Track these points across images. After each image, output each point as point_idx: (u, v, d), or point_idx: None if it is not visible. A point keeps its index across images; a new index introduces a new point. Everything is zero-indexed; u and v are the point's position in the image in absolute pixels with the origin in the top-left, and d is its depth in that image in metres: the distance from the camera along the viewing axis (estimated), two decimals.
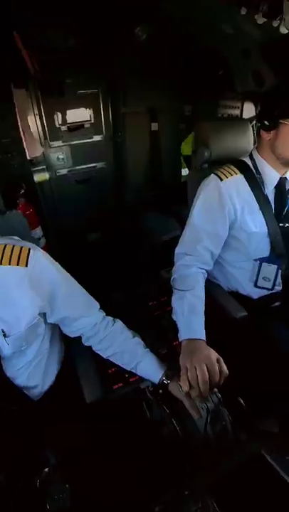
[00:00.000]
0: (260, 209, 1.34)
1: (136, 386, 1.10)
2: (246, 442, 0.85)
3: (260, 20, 0.69)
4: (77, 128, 2.54)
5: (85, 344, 1.10)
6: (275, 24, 0.70)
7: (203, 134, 1.52)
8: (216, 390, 1.02)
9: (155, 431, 0.99)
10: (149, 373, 1.06)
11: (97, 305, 1.12)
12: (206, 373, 0.96)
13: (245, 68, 1.86)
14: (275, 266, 1.38)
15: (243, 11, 0.73)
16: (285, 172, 1.36)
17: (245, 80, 1.92)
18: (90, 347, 1.10)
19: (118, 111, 2.58)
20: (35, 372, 1.04)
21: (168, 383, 1.03)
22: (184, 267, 1.31)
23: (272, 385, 1.18)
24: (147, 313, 1.45)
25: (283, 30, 0.65)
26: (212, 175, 1.36)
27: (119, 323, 1.12)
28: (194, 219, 1.35)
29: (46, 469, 0.79)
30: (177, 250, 1.38)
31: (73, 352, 1.15)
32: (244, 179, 1.33)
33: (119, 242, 2.49)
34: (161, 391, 1.05)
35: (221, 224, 1.33)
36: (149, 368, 1.06)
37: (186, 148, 2.50)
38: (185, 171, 2.78)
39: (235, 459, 0.77)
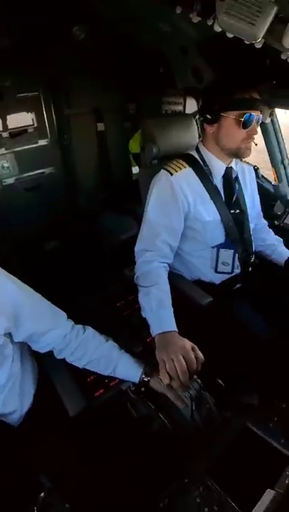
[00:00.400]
0: (211, 199, 1.40)
1: (117, 389, 1.08)
2: (232, 419, 0.89)
3: (195, 19, 0.73)
4: (19, 133, 2.39)
5: (58, 357, 1.05)
6: (209, 23, 0.74)
7: (149, 131, 1.55)
8: (195, 376, 1.05)
9: (145, 429, 0.99)
10: (128, 374, 1.05)
11: (64, 315, 1.08)
12: (184, 363, 0.98)
13: (184, 65, 1.92)
14: (232, 250, 1.46)
15: (178, 10, 0.75)
16: (230, 162, 1.44)
17: (185, 77, 1.98)
18: (63, 359, 1.06)
19: (62, 113, 2.49)
20: (10, 396, 0.97)
21: (148, 380, 1.03)
22: (146, 263, 1.32)
23: (246, 361, 1.23)
24: (117, 315, 1.44)
25: (217, 28, 0.68)
26: (162, 170, 1.40)
27: (89, 330, 1.09)
28: (150, 215, 1.37)
29: (42, 494, 0.74)
30: (137, 248, 1.39)
31: (47, 367, 1.09)
32: (193, 172, 1.38)
33: (78, 248, 2.43)
34: (143, 389, 1.05)
35: (176, 217, 1.36)
36: (127, 369, 1.05)
37: (134, 146, 2.52)
38: (135, 169, 2.80)
39: (225, 436, 0.81)
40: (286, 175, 2.10)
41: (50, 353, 1.06)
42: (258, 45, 0.73)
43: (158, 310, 1.17)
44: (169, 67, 2.10)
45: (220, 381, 1.15)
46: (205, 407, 1.01)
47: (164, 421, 0.99)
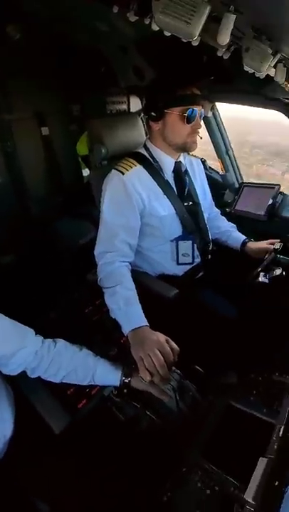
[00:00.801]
0: (164, 194, 1.43)
1: (100, 396, 1.06)
2: (215, 400, 0.93)
3: (132, 18, 0.74)
4: None
5: (33, 377, 1.00)
6: (146, 22, 0.75)
7: (96, 131, 1.53)
8: (174, 368, 1.07)
9: (134, 429, 0.99)
10: (108, 379, 1.04)
11: (31, 331, 1.02)
12: (161, 357, 1.00)
13: (124, 64, 1.93)
14: (190, 241, 1.51)
15: (115, 10, 0.76)
16: (179, 156, 1.49)
17: (126, 76, 1.99)
18: (38, 378, 1.01)
19: (2, 118, 2.34)
20: None
21: (129, 380, 1.03)
22: (107, 264, 1.32)
23: (218, 343, 1.29)
24: (86, 321, 1.41)
25: (154, 27, 0.70)
26: (113, 170, 1.40)
27: (60, 342, 1.05)
28: (106, 216, 1.37)
29: None
30: (96, 251, 1.37)
31: (23, 389, 1.03)
32: (144, 169, 1.40)
33: (35, 258, 2.30)
34: (125, 390, 1.04)
35: (132, 215, 1.37)
36: (106, 374, 1.03)
37: (82, 148, 2.46)
38: (86, 171, 2.74)
39: (212, 418, 0.84)
40: (232, 164, 2.23)
41: (24, 374, 0.99)
42: (195, 43, 0.77)
43: (126, 308, 1.18)
44: (111, 66, 2.09)
45: (198, 367, 1.20)
46: (188, 395, 1.04)
47: (151, 417, 1.00)
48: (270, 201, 1.87)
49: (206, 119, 2.02)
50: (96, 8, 1.33)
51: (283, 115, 1.64)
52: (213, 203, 1.80)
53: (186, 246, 1.52)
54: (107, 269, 1.31)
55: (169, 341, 1.06)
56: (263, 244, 1.60)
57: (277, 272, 1.38)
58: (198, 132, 1.37)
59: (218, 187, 2.17)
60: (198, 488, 0.62)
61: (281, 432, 0.60)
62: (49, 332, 1.07)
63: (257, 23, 0.68)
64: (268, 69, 0.78)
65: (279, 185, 1.91)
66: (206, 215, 1.63)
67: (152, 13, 0.65)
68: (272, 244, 1.54)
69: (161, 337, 1.07)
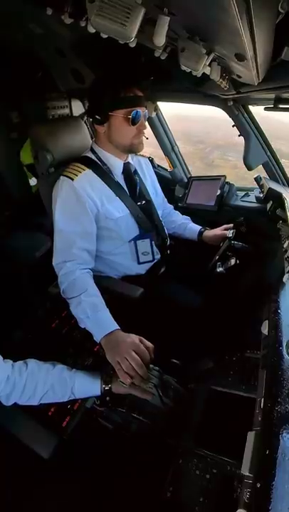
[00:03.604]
0: (117, 195, 1.43)
1: (83, 410, 1.03)
2: (197, 388, 0.96)
3: (68, 20, 0.72)
4: None
5: (8, 404, 0.93)
6: (82, 24, 0.74)
7: (40, 138, 1.46)
8: (151, 365, 1.08)
9: (125, 434, 0.98)
10: (88, 390, 1.01)
11: None
12: (137, 357, 1.01)
13: (63, 67, 1.87)
14: (148, 239, 1.53)
15: (49, 11, 0.73)
16: (127, 157, 1.50)
17: (65, 79, 1.93)
18: (14, 405, 0.94)
19: None
20: None
21: (110, 387, 1.01)
22: (68, 274, 1.28)
23: (188, 333, 1.33)
24: (55, 336, 1.36)
25: (91, 29, 0.69)
26: (62, 177, 1.36)
27: (32, 362, 1.00)
28: (60, 225, 1.33)
29: None
30: (55, 261, 1.33)
31: (0, 420, 0.96)
32: (93, 173, 1.39)
33: None
34: (108, 398, 1.02)
35: (86, 221, 1.35)
36: (85, 385, 1.01)
37: (26, 157, 2.31)
38: (33, 181, 2.61)
39: (197, 406, 0.87)
40: (178, 160, 2.31)
41: None
42: (132, 45, 0.77)
43: (95, 315, 1.16)
44: (48, 70, 2.01)
45: (174, 360, 1.23)
46: (170, 388, 1.06)
47: (139, 419, 1.00)
48: (219, 192, 1.99)
49: (149, 119, 2.06)
50: (29, 10, 1.27)
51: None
52: (165, 199, 1.85)
53: (144, 244, 1.54)
54: (69, 278, 1.27)
55: (143, 340, 1.07)
56: (218, 230, 1.70)
57: (232, 261, 1.46)
58: (144, 133, 1.40)
59: (168, 183, 2.23)
60: (197, 476, 0.64)
61: (262, 404, 0.64)
62: (17, 354, 1.02)
63: (190, 25, 0.72)
64: (203, 68, 0.82)
65: (224, 175, 2.03)
66: (160, 212, 1.67)
67: (87, 16, 0.65)
68: (227, 229, 1.63)
69: (135, 338, 1.07)
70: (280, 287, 0.98)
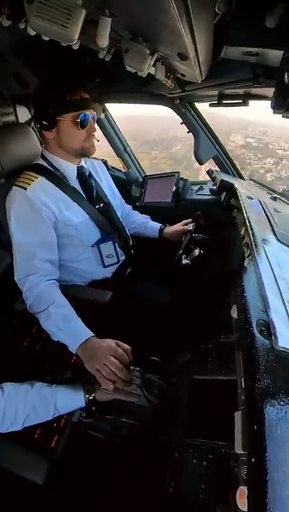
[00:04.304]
0: (74, 201, 1.40)
1: (71, 425, 0.99)
2: (179, 381, 0.98)
3: (5, 22, 0.68)
4: None
5: None
6: (21, 26, 0.71)
7: None
8: (132, 367, 1.08)
9: (117, 441, 0.96)
10: (72, 404, 0.98)
11: None
12: (116, 361, 1.00)
13: (4, 72, 1.76)
14: (111, 242, 1.52)
15: None
16: (80, 161, 1.47)
17: (8, 84, 1.83)
18: None
19: None
20: None
21: (94, 396, 0.99)
22: (32, 288, 1.23)
23: (162, 329, 1.36)
24: (28, 353, 1.29)
25: (31, 31, 0.67)
26: (13, 187, 1.30)
27: (7, 386, 0.95)
28: (17, 238, 1.27)
29: None
30: (17, 276, 1.27)
31: None
32: (46, 180, 1.34)
33: None
34: (94, 408, 1.00)
35: (45, 230, 1.31)
36: (68, 399, 0.97)
37: None
38: None
39: (182, 398, 0.89)
40: (132, 161, 2.32)
41: None
42: (75, 47, 0.77)
43: (67, 326, 1.12)
44: None
45: (154, 358, 1.24)
46: (154, 386, 1.06)
47: (128, 422, 0.99)
48: (174, 188, 2.04)
49: (99, 121, 2.04)
50: None
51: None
52: (123, 200, 1.85)
53: (108, 247, 1.53)
54: (34, 292, 1.21)
55: (119, 343, 1.07)
56: (178, 226, 1.74)
57: (196, 252, 1.51)
58: (94, 135, 1.38)
59: (124, 184, 2.24)
60: (195, 465, 0.65)
61: (243, 384, 0.67)
62: None
63: (132, 26, 0.73)
64: (148, 68, 0.84)
65: (178, 172, 2.10)
66: (119, 214, 1.66)
67: (27, 17, 0.62)
68: (186, 224, 1.68)
69: (111, 342, 1.06)
70: (242, 272, 1.03)
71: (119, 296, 1.43)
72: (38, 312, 1.19)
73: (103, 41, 0.71)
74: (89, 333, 1.11)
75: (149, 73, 0.86)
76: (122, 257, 1.61)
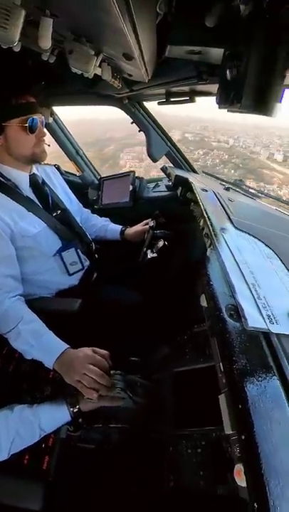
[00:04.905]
0: (29, 210, 1.34)
1: (59, 442, 0.95)
2: (161, 376, 0.99)
3: None
4: None
5: None
6: None
7: None
8: (112, 371, 1.06)
9: (110, 448, 0.95)
10: (57, 420, 0.94)
11: None
12: (96, 368, 0.98)
13: None
14: (73, 249, 1.48)
15: None
16: (31, 168, 1.41)
17: None
18: None
19: None
20: None
21: (79, 408, 0.96)
22: None
23: (138, 329, 1.35)
24: (2, 377, 1.22)
25: None
26: None
27: None
28: None
29: None
30: None
31: None
32: None
33: None
34: (80, 420, 0.98)
35: (1, 245, 1.24)
36: (52, 416, 0.94)
37: None
38: None
39: (167, 392, 0.90)
40: (86, 163, 2.28)
41: None
42: (16, 49, 0.73)
43: (39, 342, 1.08)
44: None
45: (132, 358, 1.23)
46: (137, 386, 1.06)
47: (118, 427, 0.98)
48: (131, 187, 2.05)
49: (48, 126, 1.98)
50: None
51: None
52: (80, 204, 1.82)
53: (70, 255, 1.49)
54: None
55: (96, 350, 1.05)
56: (139, 226, 1.75)
57: (160, 243, 1.54)
58: (44, 140, 1.33)
59: (80, 188, 2.20)
60: (190, 454, 0.67)
61: (222, 367, 0.69)
62: None
63: (74, 26, 0.71)
64: (94, 69, 0.83)
65: (133, 171, 2.11)
66: (78, 219, 1.62)
67: None
68: (146, 224, 1.70)
69: (87, 350, 1.04)
70: (206, 261, 1.07)
71: (89, 303, 1.40)
72: (6, 332, 1.12)
73: (45, 42, 0.69)
74: (63, 346, 1.07)
75: (95, 74, 0.85)
76: (87, 263, 1.58)
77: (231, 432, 0.58)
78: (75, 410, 0.95)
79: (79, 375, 0.96)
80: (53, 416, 0.93)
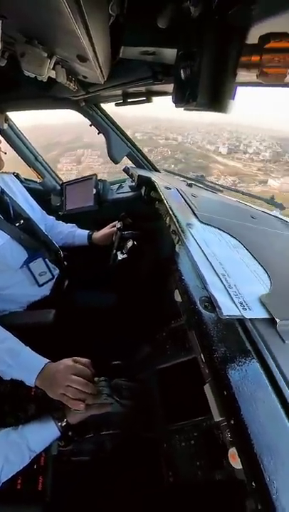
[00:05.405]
0: None
1: (52, 460, 0.91)
2: (146, 376, 1.00)
3: None
4: None
5: None
6: None
7: None
8: (96, 378, 1.04)
9: (105, 457, 0.92)
10: (45, 438, 0.90)
11: None
12: (79, 378, 0.95)
13: None
14: (40, 258, 1.44)
15: None
16: None
17: None
18: None
19: None
20: None
21: (67, 421, 0.93)
22: None
23: (115, 331, 1.36)
24: None
25: None
26: None
27: None
28: None
29: None
30: None
31: None
32: None
33: None
34: (70, 432, 0.94)
35: None
36: (40, 435, 0.89)
37: None
38: None
39: (153, 390, 0.91)
40: (46, 169, 2.21)
41: None
42: None
43: (16, 360, 1.01)
44: None
45: (114, 362, 1.22)
46: (123, 389, 1.05)
47: (109, 433, 0.96)
48: (94, 190, 2.03)
49: (3, 132, 1.90)
50: None
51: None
52: (44, 212, 1.76)
53: (38, 265, 1.44)
54: None
55: (77, 359, 1.02)
56: (106, 229, 1.74)
57: (129, 244, 1.54)
58: (0, 148, 1.28)
59: (42, 195, 2.13)
60: (185, 447, 0.68)
61: (203, 358, 0.71)
62: None
63: (25, 28, 0.69)
64: (48, 71, 0.81)
65: (95, 174, 2.08)
66: (42, 227, 1.58)
67: None
68: (114, 226, 1.70)
69: (67, 361, 1.00)
70: (176, 257, 1.09)
71: (64, 312, 1.37)
72: None
73: None
74: (43, 361, 1.01)
75: (50, 77, 0.83)
76: (56, 271, 1.55)
77: (220, 419, 0.60)
78: (63, 424, 0.92)
79: (62, 387, 0.93)
80: (41, 434, 0.89)
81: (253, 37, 0.59)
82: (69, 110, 1.81)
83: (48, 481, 0.86)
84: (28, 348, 1.05)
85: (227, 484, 0.61)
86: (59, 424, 0.92)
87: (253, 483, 0.45)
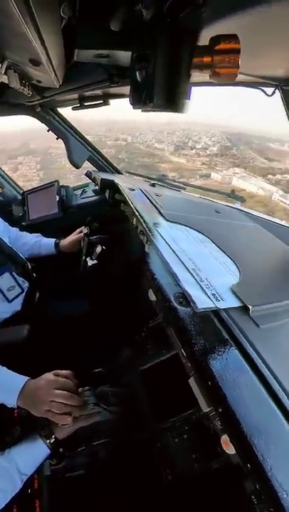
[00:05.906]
0: None
1: (45, 481, 0.87)
2: (130, 379, 0.99)
3: None
4: None
5: None
6: None
7: None
8: (80, 388, 1.00)
9: (100, 467, 0.90)
10: (35, 458, 0.86)
11: None
12: (62, 391, 0.92)
13: None
14: (7, 273, 1.39)
15: None
16: None
17: None
18: None
19: None
20: None
21: (55, 438, 0.89)
22: None
23: (94, 338, 1.33)
24: None
25: None
26: None
27: None
28: None
29: None
30: None
31: None
32: None
33: None
34: (61, 449, 0.91)
35: None
36: (29, 456, 0.85)
37: None
38: None
39: (140, 392, 0.90)
40: (5, 179, 2.11)
41: None
42: None
43: None
44: None
45: (97, 369, 1.20)
46: (109, 396, 1.03)
47: (101, 443, 0.94)
48: (57, 197, 1.98)
49: None
50: None
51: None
52: (6, 223, 1.69)
53: (5, 280, 1.39)
54: None
55: (58, 372, 0.97)
56: (73, 236, 1.71)
57: (98, 249, 1.52)
58: None
59: (3, 206, 2.04)
60: (178, 443, 0.68)
61: (184, 353, 0.72)
62: None
63: None
64: (0, 76, 0.78)
65: (57, 181, 2.03)
66: (6, 240, 1.51)
67: None
68: (80, 232, 1.67)
69: (48, 376, 0.96)
70: (146, 257, 1.10)
71: (38, 325, 1.32)
72: None
73: None
74: (22, 379, 0.96)
75: (2, 82, 0.80)
76: (26, 284, 1.49)
77: (208, 409, 0.61)
78: (51, 441, 0.88)
79: (46, 404, 0.88)
80: (30, 455, 0.85)
81: (204, 39, 0.61)
82: (24, 116, 1.75)
83: (44, 504, 0.82)
84: (4, 368, 0.98)
85: (225, 472, 0.63)
86: (47, 441, 0.87)
87: (248, 465, 0.47)
